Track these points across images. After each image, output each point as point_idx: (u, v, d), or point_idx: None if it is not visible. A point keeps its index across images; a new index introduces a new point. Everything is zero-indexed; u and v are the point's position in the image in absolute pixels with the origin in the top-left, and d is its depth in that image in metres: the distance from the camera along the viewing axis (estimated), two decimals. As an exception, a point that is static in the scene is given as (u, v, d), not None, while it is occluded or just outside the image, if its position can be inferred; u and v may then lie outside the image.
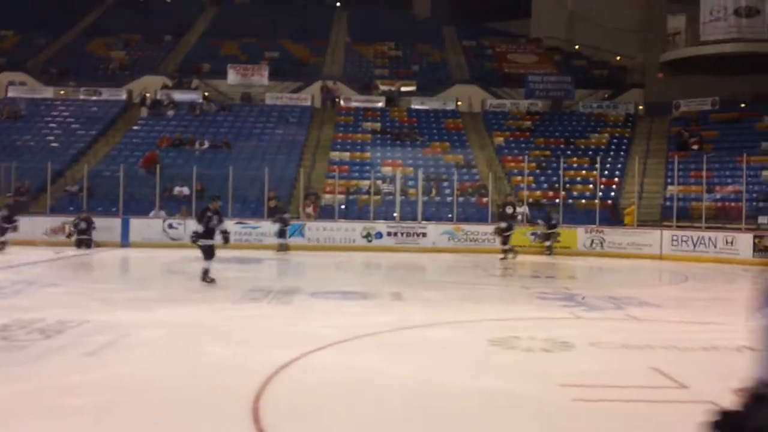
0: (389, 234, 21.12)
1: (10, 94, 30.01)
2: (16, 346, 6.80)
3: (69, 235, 19.67)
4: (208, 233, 11.97)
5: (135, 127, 28.09)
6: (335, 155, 26.53)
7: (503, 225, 18.43)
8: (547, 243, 20.29)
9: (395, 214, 22.16)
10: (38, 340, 7.08)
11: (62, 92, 30.54)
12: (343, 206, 22.72)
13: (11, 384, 5.54)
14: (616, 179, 25.30)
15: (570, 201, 23.30)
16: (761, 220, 20.32)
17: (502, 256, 18.23)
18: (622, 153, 27.05)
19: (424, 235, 21.20)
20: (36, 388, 5.45)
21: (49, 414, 4.80)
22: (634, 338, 7.82)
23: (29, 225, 19.64)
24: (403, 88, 32.43)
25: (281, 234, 19.57)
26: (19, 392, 5.33)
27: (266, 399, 5.13)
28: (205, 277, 11.84)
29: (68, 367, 6.14)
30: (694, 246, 19.38)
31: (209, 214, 12.09)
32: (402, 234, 21.20)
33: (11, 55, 34.04)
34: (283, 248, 19.38)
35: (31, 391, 5.35)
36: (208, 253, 11.94)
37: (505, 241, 18.35)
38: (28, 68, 32.56)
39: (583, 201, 23.64)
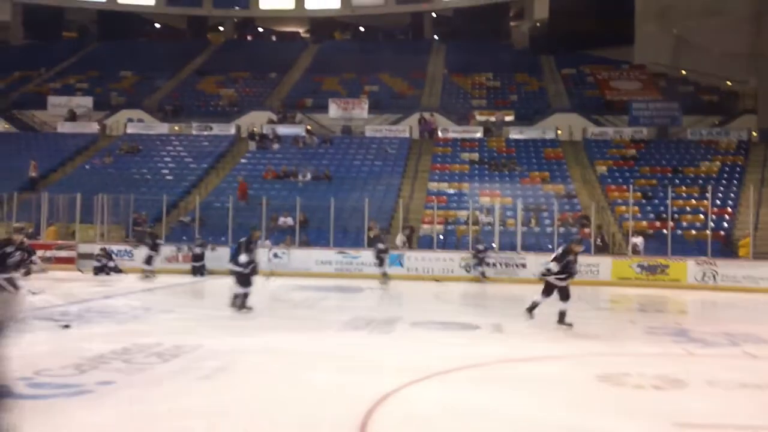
0: (488, 265, 20.90)
1: (129, 131, 32.26)
2: (136, 369, 7.21)
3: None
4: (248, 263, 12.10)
5: (243, 160, 29.45)
6: (433, 186, 26.67)
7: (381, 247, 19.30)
8: (479, 269, 20.18)
9: (494, 245, 21.93)
10: (156, 363, 7.49)
11: (176, 128, 32.54)
12: (441, 236, 22.74)
13: (132, 405, 5.87)
14: (729, 209, 23.95)
15: (679, 232, 22.26)
16: None
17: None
18: (735, 182, 25.63)
19: (524, 266, 20.82)
20: (154, 410, 5.76)
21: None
22: (752, 377, 7.35)
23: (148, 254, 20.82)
24: (502, 118, 32.31)
25: (380, 263, 19.73)
26: (138, 413, 5.65)
27: (370, 429, 5.19)
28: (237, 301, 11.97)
29: (184, 390, 6.45)
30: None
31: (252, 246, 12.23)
32: (502, 265, 20.93)
33: (130, 94, 36.70)
34: (384, 278, 19.50)
35: (149, 413, 5.66)
36: (245, 281, 12.02)
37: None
38: (145, 106, 34.94)
39: (693, 232, 22.51)
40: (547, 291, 11.14)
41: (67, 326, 9.86)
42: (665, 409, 6.00)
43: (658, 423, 5.50)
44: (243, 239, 12.29)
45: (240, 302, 11.90)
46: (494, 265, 20.89)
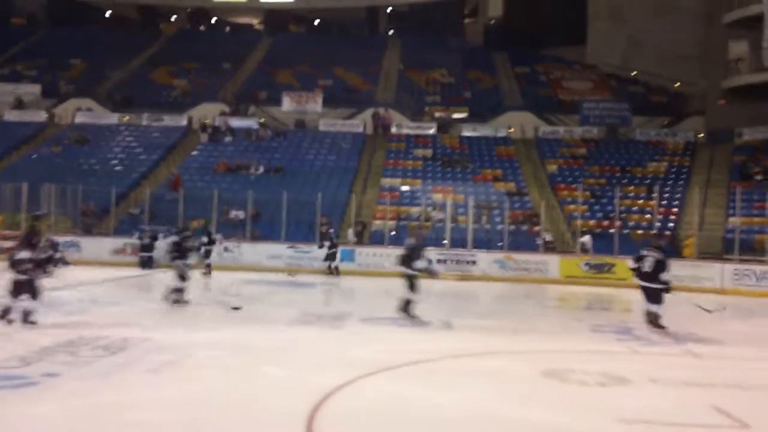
0: (439, 261, 21.05)
1: (78, 120, 31.38)
2: (82, 362, 7.06)
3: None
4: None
5: (194, 153, 28.96)
6: (386, 181, 26.73)
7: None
8: (207, 261, 18.93)
9: (445, 242, 22.13)
10: (103, 356, 7.35)
11: (126, 118, 31.77)
12: (393, 233, 22.82)
13: (77, 399, 5.76)
14: (675, 209, 24.68)
15: (626, 231, 22.84)
16: (829, 253, 19.51)
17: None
18: (681, 182, 26.42)
19: (474, 263, 21.07)
20: (101, 402, 5.67)
21: (112, 429, 4.98)
22: (694, 375, 7.61)
23: (95, 245, 20.38)
24: (454, 115, 32.58)
25: (328, 258, 19.72)
26: (84, 406, 5.55)
27: (319, 421, 5.20)
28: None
29: (131, 383, 6.35)
30: (758, 280, 18.71)
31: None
32: (452, 261, 21.13)
33: (79, 82, 35.67)
34: (333, 273, 19.55)
35: (96, 406, 5.56)
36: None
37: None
38: (95, 95, 34.02)
39: (640, 231, 23.11)
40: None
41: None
42: (608, 405, 6.17)
43: (601, 418, 5.65)
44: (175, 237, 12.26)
45: (176, 296, 11.91)
46: (445, 262, 21.07)
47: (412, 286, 11.06)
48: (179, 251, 12.20)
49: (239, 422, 5.27)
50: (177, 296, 11.81)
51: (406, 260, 11.15)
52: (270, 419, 5.33)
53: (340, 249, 20.24)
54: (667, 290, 11.01)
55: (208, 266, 18.76)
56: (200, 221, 21.87)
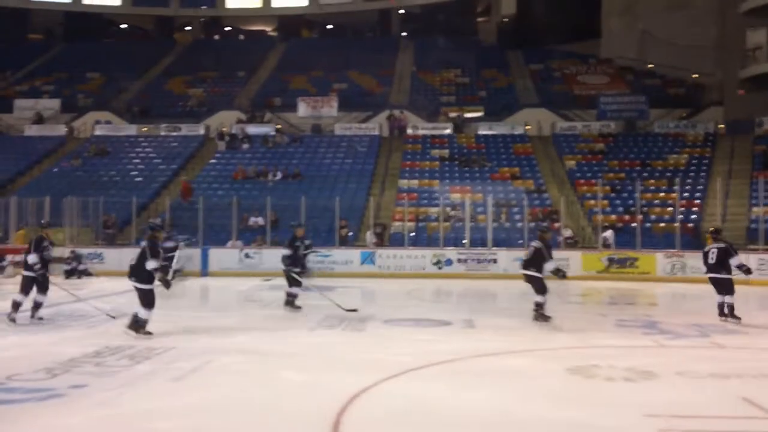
0: (459, 261, 21.01)
1: (97, 133, 31.76)
2: (108, 372, 7.13)
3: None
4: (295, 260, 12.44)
5: (212, 161, 29.19)
6: (404, 183, 26.72)
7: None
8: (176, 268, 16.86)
9: (465, 241, 22.05)
10: (128, 366, 7.41)
11: (144, 129, 32.12)
12: (412, 234, 22.80)
13: (104, 408, 5.81)
14: (697, 201, 24.39)
15: (648, 225, 22.61)
16: None
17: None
18: (702, 174, 26.11)
19: (494, 261, 20.97)
20: (126, 412, 5.72)
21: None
22: (722, 367, 7.51)
23: (117, 256, 20.60)
24: (470, 114, 32.49)
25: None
26: (110, 416, 5.59)
27: (344, 425, 5.20)
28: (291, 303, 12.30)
29: (156, 392, 6.40)
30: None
31: (297, 243, 12.57)
32: (472, 260, 21.05)
33: (97, 95, 36.17)
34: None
35: (121, 415, 5.61)
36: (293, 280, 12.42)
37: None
38: (113, 108, 34.44)
39: (662, 225, 22.89)
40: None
41: (113, 317, 10.88)
42: (636, 400, 6.09)
43: (629, 414, 5.59)
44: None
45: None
46: (465, 261, 21.00)
47: (541, 289, 11.13)
48: None
49: (263, 428, 5.28)
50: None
51: (534, 263, 11.17)
52: (295, 425, 5.33)
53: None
54: (747, 272, 11.38)
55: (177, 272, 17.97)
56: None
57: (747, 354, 8.46)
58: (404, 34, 46.62)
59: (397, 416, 5.60)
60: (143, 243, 9.90)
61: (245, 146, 30.06)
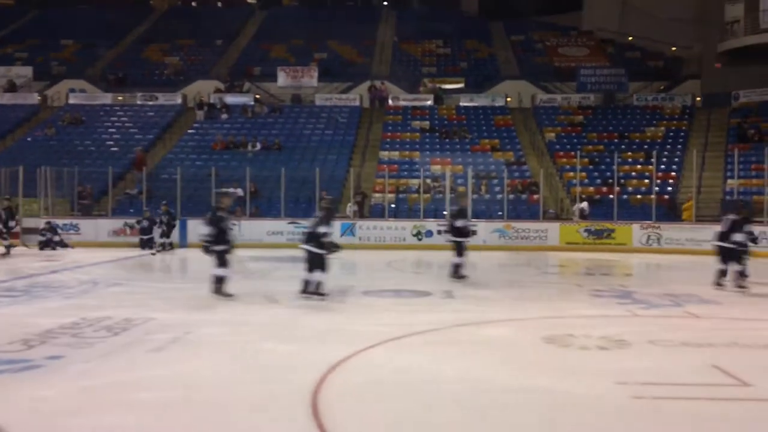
0: (439, 232, 21.08)
1: (71, 101, 31.18)
2: (85, 343, 7.10)
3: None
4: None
5: (190, 131, 28.86)
6: (384, 154, 26.67)
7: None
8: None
9: (445, 212, 22.11)
10: (106, 337, 7.38)
11: (120, 98, 31.59)
12: (393, 205, 22.83)
13: (81, 380, 5.79)
14: (673, 174, 24.69)
15: (625, 197, 22.86)
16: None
17: None
18: (679, 146, 26.39)
19: (474, 233, 21.05)
20: (105, 383, 5.70)
21: (118, 409, 5.01)
22: (694, 336, 7.67)
23: (93, 227, 20.40)
24: (451, 86, 32.37)
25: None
26: (88, 387, 5.58)
27: (323, 396, 5.24)
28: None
29: (135, 363, 6.39)
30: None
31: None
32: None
33: (71, 63, 35.40)
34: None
35: (100, 387, 5.59)
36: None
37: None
38: (88, 76, 33.77)
39: (639, 196, 23.16)
40: None
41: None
42: (609, 368, 6.21)
43: (602, 382, 5.70)
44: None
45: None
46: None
47: (736, 257, 11.28)
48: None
49: (243, 398, 5.31)
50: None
51: (725, 235, 11.35)
52: (274, 394, 5.37)
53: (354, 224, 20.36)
54: (754, 241, 11.67)
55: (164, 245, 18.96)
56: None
57: (719, 323, 8.64)
58: (386, 3, 46.09)
59: (376, 385, 5.66)
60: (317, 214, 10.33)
61: (224, 116, 29.73)
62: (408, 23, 39.28)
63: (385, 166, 24.88)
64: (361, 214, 22.28)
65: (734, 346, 7.10)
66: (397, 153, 26.81)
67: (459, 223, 12.69)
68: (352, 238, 20.91)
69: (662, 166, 24.67)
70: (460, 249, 12.81)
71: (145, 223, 20.19)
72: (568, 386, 5.60)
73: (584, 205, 21.75)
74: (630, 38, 35.31)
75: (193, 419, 4.81)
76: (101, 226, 21.21)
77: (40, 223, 20.36)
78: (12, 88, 32.38)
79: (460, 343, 7.40)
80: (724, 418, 4.85)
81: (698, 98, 29.92)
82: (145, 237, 19.99)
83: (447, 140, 27.75)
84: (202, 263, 17.12)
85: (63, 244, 19.83)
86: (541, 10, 39.51)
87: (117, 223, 21.29)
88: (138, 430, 4.62)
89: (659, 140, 26.86)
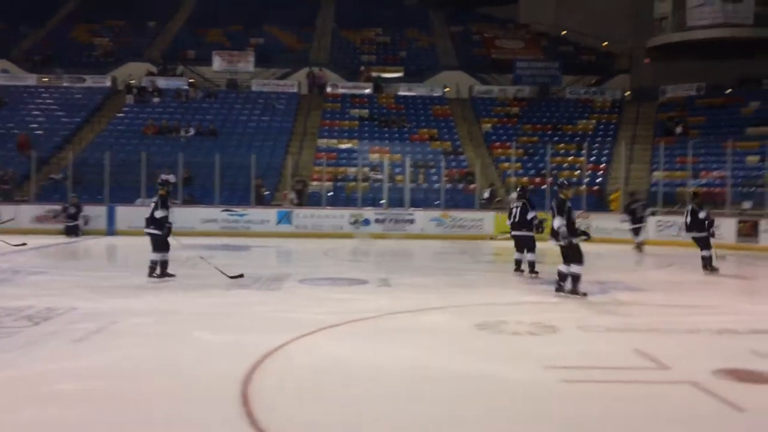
0: (377, 221, 21.16)
1: (-7, 82, 29.67)
2: (4, 333, 6.78)
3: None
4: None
5: (120, 115, 27.92)
6: (322, 142, 26.49)
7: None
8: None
9: (383, 201, 22.20)
10: (26, 327, 7.07)
11: (45, 79, 30.24)
12: (330, 193, 22.72)
13: (2, 370, 5.53)
14: (603, 165, 25.45)
15: (556, 187, 23.39)
16: (745, 205, 20.53)
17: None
18: (609, 139, 27.21)
19: (411, 221, 21.26)
20: (25, 374, 5.46)
21: (38, 400, 4.81)
22: (619, 321, 7.93)
23: (15, 213, 19.50)
24: (389, 75, 32.38)
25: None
26: (7, 379, 5.33)
27: (255, 384, 5.16)
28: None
29: (57, 353, 6.14)
30: (680, 231, 19.53)
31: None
32: (390, 221, 21.24)
33: (-7, 42, 33.60)
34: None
35: (19, 378, 5.36)
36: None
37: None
38: (12, 56, 32.19)
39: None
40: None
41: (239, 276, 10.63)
42: (540, 353, 6.36)
43: (531, 366, 5.82)
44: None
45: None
46: (383, 221, 21.17)
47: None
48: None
49: (169, 389, 5.17)
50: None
51: (696, 224, 12.43)
52: (202, 385, 5.24)
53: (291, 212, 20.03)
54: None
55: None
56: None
57: (643, 309, 8.96)
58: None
59: (310, 373, 5.62)
60: None
61: (156, 100, 28.88)
62: (348, 10, 38.99)
63: (323, 153, 24.72)
64: (300, 202, 22.07)
65: (656, 332, 7.38)
66: (335, 141, 26.68)
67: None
68: (288, 226, 20.73)
69: (592, 158, 25.40)
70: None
71: (72, 210, 19.47)
72: (499, 370, 5.69)
73: (513, 195, 22.14)
74: (564, 32, 36.11)
75: (116, 411, 4.65)
76: (23, 212, 20.29)
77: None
78: (-73, 66, 30.57)
79: (394, 331, 7.43)
80: (644, 398, 5.03)
81: (628, 92, 30.90)
82: (71, 224, 19.28)
83: (386, 129, 27.78)
84: (130, 251, 16.69)
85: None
86: (480, 2, 39.92)
87: (40, 209, 20.43)
88: (59, 423, 4.44)
89: (590, 132, 27.62)
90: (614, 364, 6.00)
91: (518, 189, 12.94)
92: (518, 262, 12.19)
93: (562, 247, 9.66)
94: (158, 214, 10.74)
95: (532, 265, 11.89)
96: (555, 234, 9.66)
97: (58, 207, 20.12)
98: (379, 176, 23.51)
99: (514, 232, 12.12)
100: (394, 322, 7.90)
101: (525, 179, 24.10)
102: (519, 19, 38.36)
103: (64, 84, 29.83)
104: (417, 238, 20.43)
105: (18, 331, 6.90)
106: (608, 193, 23.30)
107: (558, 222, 9.60)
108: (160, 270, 10.84)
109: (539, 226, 11.83)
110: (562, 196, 9.98)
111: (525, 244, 12.02)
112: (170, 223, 10.92)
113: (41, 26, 36.04)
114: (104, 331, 6.98)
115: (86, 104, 28.51)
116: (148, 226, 10.87)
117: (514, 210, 12.12)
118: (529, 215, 11.81)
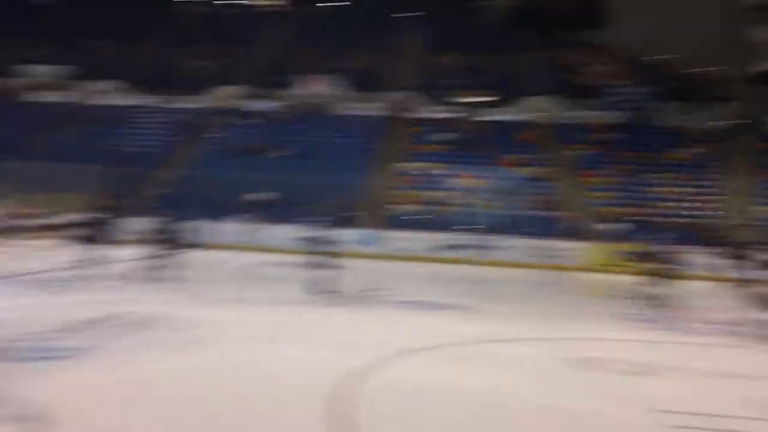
0: (464, 246, 20.98)
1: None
2: (108, 338, 7.11)
3: None
4: None
5: (214, 135, 29.00)
6: (406, 166, 26.58)
7: None
8: None
9: (470, 226, 21.99)
10: (128, 333, 7.40)
11: (150, 100, 31.87)
12: (417, 217, 22.72)
13: (98, 374, 5.79)
14: (705, 197, 24.35)
15: (653, 219, 22.52)
16: None
17: None
18: (708, 169, 26.02)
19: (499, 248, 20.95)
20: (123, 378, 5.69)
21: (136, 404, 5.00)
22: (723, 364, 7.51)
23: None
24: (476, 99, 32.26)
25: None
26: (117, 382, 5.57)
27: (336, 401, 5.19)
28: None
29: (156, 359, 6.38)
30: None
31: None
32: (477, 247, 21.01)
33: (108, 63, 35.68)
34: None
35: (127, 380, 5.59)
36: None
37: None
38: (118, 76, 34.09)
39: (668, 219, 22.79)
40: None
41: None
42: (640, 394, 6.08)
43: (632, 407, 5.58)
44: None
45: None
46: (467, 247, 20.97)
47: None
48: None
49: (259, 400, 5.28)
50: None
51: None
52: (289, 399, 5.33)
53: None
54: None
55: None
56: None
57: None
58: (412, 14, 46.04)
59: (392, 396, 5.60)
60: None
61: (247, 122, 29.87)
62: (433, 34, 39.15)
63: (408, 177, 24.77)
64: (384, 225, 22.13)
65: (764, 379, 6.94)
66: (420, 164, 26.70)
67: None
68: (374, 247, 20.86)
69: (690, 189, 24.33)
70: None
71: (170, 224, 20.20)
72: (596, 409, 5.48)
73: (609, 225, 21.49)
74: (656, 57, 34.96)
75: (205, 416, 4.76)
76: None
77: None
78: None
79: (480, 360, 7.31)
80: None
81: (728, 121, 29.49)
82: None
83: (471, 154, 27.61)
84: (224, 264, 17.17)
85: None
86: (569, 26, 39.29)
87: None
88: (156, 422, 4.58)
89: (687, 162, 26.49)
90: (716, 413, 5.66)
91: None
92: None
93: None
94: None
95: None
96: None
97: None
98: (466, 201, 23.35)
99: None
100: (481, 351, 7.78)
101: (617, 209, 23.37)
102: (609, 44, 37.48)
103: (167, 105, 31.36)
104: (502, 266, 20.11)
105: (122, 336, 7.23)
106: (717, 227, 22.09)
107: None
108: None
109: None
110: None
111: None
112: None
113: (146, 49, 37.98)
114: (200, 341, 7.21)
115: (186, 125, 29.82)
116: None
117: None
118: None
